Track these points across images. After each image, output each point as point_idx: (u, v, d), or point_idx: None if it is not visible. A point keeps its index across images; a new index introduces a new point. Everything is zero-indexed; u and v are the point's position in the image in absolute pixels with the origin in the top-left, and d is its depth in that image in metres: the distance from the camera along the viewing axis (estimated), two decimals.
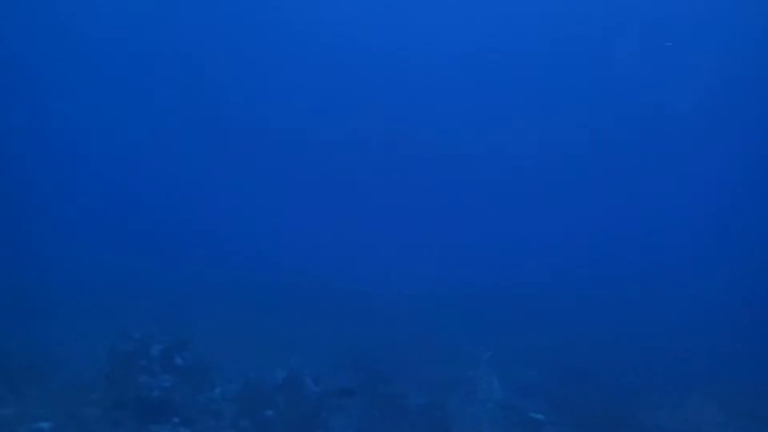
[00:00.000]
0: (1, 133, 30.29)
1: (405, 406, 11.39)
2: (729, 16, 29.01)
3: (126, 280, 17.34)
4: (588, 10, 31.25)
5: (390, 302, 17.79)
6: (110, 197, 28.39)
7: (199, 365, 10.77)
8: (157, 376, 10.13)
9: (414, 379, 12.12)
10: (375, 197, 32.92)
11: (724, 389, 12.86)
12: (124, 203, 27.98)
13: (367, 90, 35.70)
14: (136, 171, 33.07)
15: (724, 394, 12.53)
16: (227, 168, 33.90)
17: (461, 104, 35.38)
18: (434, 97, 35.62)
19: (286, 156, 35.06)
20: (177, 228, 25.28)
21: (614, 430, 10.36)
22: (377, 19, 35.39)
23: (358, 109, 35.26)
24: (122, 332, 10.74)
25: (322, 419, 10.83)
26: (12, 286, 15.53)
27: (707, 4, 29.05)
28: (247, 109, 36.83)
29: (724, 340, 16.09)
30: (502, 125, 34.66)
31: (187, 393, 10.13)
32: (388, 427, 10.86)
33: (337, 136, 35.30)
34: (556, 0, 31.59)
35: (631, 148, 33.57)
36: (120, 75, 35.74)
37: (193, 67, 35.58)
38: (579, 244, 28.26)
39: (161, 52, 35.08)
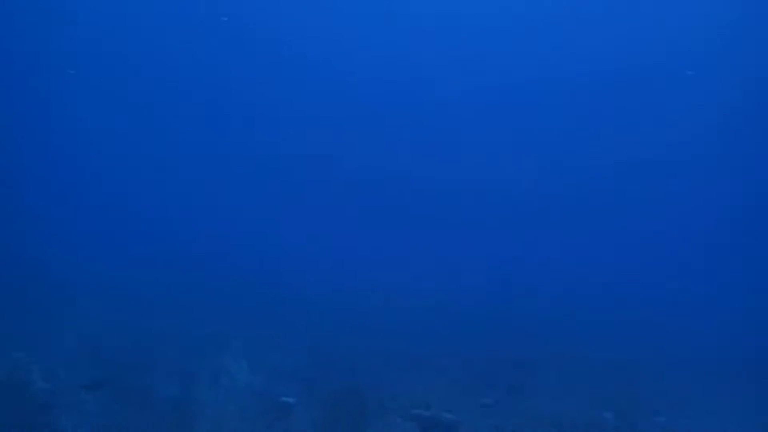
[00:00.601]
0: None
1: (151, 398, 10.86)
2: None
3: None
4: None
5: (139, 292, 16.75)
6: None
7: None
8: None
9: (162, 370, 11.61)
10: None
11: (453, 365, 14.70)
12: None
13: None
14: None
15: (453, 370, 14.35)
16: None
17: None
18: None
19: None
20: None
21: (357, 409, 11.15)
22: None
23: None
24: None
25: (52, 418, 9.79)
26: None
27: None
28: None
29: (457, 326, 18.37)
30: None
31: None
32: (131, 422, 10.22)
33: None
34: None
35: None
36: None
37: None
38: (342, 242, 29.70)
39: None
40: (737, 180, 34.37)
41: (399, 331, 16.92)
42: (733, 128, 32.18)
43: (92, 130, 35.88)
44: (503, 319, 19.22)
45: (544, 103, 35.61)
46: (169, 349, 12.84)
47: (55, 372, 10.80)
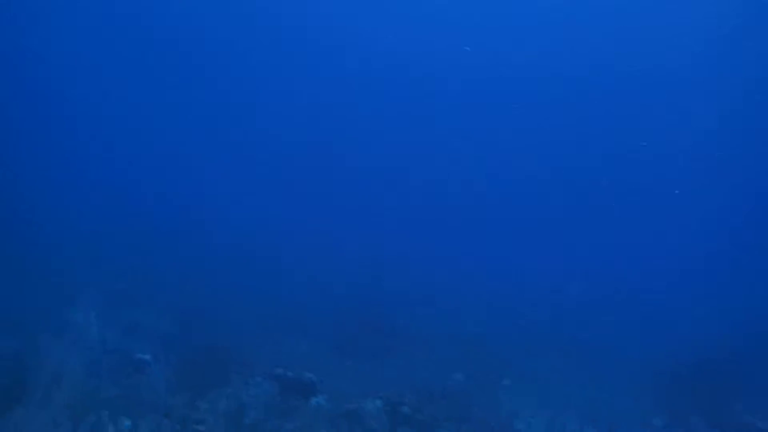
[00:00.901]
0: None
1: None
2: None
3: None
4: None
5: None
6: None
7: None
8: None
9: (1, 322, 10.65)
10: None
11: (320, 330, 14.88)
12: None
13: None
14: None
15: (319, 334, 14.55)
16: None
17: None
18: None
19: None
20: None
21: (216, 368, 10.98)
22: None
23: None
24: None
25: None
26: None
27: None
28: None
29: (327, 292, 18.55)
30: None
31: None
32: None
33: None
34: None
35: None
36: None
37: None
38: (221, 203, 29.01)
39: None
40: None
41: (268, 294, 16.80)
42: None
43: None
44: (372, 288, 19.70)
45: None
46: (9, 300, 11.78)
47: None
